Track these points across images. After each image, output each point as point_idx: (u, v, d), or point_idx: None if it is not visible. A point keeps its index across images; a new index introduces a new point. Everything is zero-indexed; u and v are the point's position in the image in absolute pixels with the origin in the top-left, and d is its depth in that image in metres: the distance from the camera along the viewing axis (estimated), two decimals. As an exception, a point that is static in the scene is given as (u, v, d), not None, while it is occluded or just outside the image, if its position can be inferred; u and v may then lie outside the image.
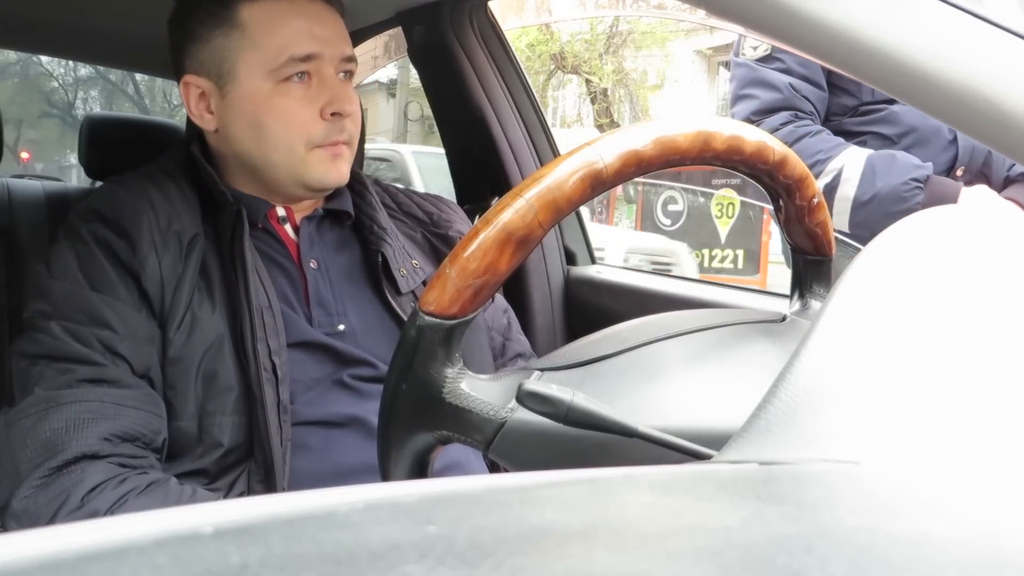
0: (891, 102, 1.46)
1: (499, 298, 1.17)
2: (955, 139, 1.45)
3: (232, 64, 0.94)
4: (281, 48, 0.92)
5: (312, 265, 0.99)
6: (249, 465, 0.89)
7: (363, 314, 0.99)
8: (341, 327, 0.97)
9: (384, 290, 1.00)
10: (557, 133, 1.79)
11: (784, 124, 1.50)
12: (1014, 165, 1.40)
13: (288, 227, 1.01)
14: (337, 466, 0.91)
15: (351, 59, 0.98)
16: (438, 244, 1.11)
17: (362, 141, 1.51)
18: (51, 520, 0.78)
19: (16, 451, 0.81)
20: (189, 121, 1.88)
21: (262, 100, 0.93)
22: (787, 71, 1.50)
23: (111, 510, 0.78)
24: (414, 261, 1.05)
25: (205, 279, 0.91)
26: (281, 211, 1.01)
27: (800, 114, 1.51)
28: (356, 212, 1.05)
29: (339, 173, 0.97)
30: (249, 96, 0.93)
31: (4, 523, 0.81)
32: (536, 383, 0.48)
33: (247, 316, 0.89)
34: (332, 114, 0.94)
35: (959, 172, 1.44)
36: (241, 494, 0.88)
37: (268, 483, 0.87)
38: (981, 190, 1.41)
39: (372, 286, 1.01)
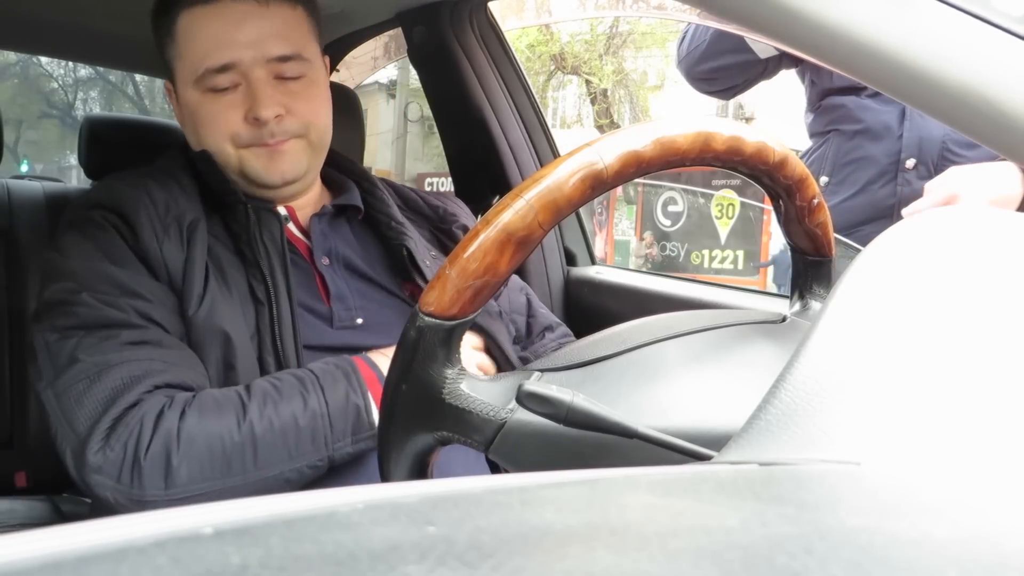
0: (852, 91, 1.50)
1: (515, 278, 1.17)
2: (902, 134, 1.49)
3: (173, 73, 0.98)
4: (199, 60, 0.94)
5: (324, 261, 0.99)
6: None
7: (381, 307, 1.00)
8: (359, 320, 0.98)
9: (415, 281, 1.00)
10: (557, 134, 1.79)
11: None
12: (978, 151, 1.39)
13: (292, 226, 1.01)
14: None
15: (286, 58, 0.94)
16: (444, 239, 1.12)
17: (362, 136, 1.51)
18: (135, 453, 0.77)
19: (72, 415, 0.80)
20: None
21: (194, 108, 0.96)
22: None
23: (182, 421, 0.78)
24: (432, 253, 1.06)
25: (222, 278, 0.91)
26: (282, 210, 1.01)
27: None
28: (368, 208, 1.05)
29: (280, 169, 0.96)
30: (186, 103, 0.97)
31: (87, 480, 0.79)
32: (536, 384, 0.48)
33: (267, 315, 0.89)
34: (254, 119, 0.94)
35: (909, 164, 1.47)
36: None
37: None
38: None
39: (392, 280, 1.02)
